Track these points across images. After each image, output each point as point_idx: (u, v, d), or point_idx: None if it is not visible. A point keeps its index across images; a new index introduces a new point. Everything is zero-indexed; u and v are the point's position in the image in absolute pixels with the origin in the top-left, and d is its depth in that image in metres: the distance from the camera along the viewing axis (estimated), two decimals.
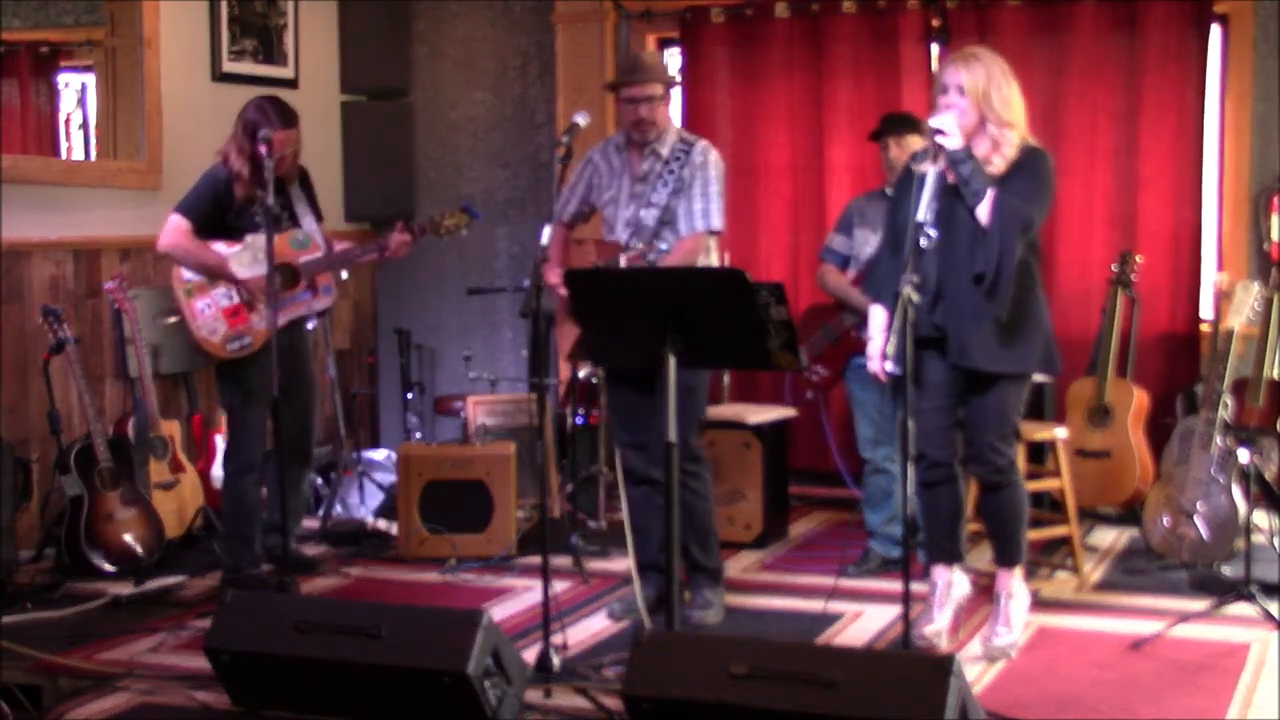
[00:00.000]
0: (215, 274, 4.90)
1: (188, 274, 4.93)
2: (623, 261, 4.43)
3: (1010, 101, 4.09)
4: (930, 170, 3.93)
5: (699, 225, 4.56)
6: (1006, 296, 4.04)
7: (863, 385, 5.18)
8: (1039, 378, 5.09)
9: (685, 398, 4.35)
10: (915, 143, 5.03)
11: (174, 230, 4.88)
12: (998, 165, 4.08)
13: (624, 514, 4.64)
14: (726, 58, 6.62)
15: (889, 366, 3.90)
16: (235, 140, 4.87)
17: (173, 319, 5.11)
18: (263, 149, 4.69)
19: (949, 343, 4.15)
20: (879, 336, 4.26)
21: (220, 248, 4.91)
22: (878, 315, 4.29)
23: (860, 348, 5.16)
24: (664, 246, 4.49)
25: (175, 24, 6.19)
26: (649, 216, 4.56)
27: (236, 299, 4.93)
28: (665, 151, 4.60)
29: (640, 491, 4.67)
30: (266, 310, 4.67)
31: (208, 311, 4.92)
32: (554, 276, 4.51)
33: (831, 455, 6.09)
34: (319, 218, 5.15)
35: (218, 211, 4.90)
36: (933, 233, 3.77)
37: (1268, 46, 5.94)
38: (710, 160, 4.61)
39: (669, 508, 3.74)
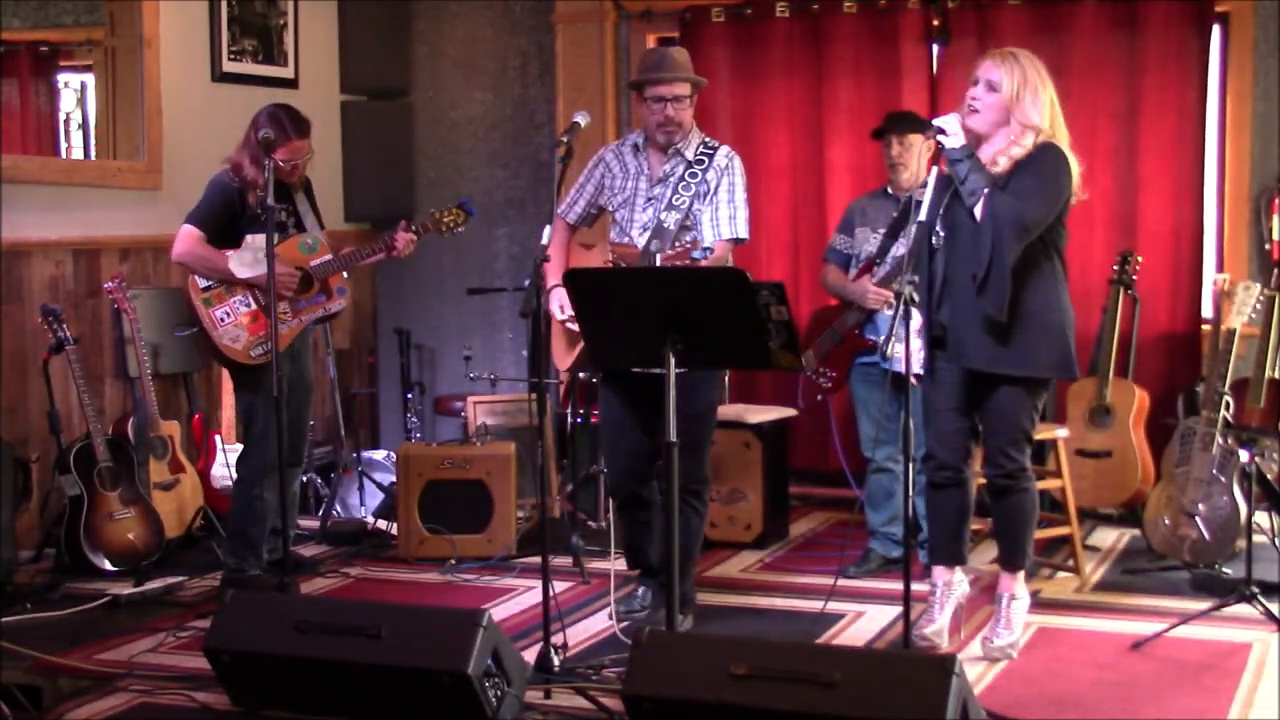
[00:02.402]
0: (230, 279, 4.91)
1: (203, 282, 4.91)
2: (659, 262, 4.29)
3: (1042, 107, 4.04)
4: (933, 171, 3.94)
5: (726, 233, 4.46)
6: (1001, 296, 3.99)
7: (866, 385, 5.19)
8: None
9: (700, 423, 4.35)
10: (918, 141, 5.04)
11: (185, 239, 4.89)
12: (1003, 164, 4.05)
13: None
14: (726, 58, 6.62)
15: (914, 367, 3.87)
16: (249, 148, 4.86)
17: (192, 330, 5.08)
18: (272, 154, 4.71)
19: (949, 342, 4.15)
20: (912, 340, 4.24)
21: (230, 254, 4.91)
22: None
23: (864, 346, 5.17)
24: (706, 245, 4.33)
25: (175, 24, 6.18)
26: (670, 220, 4.43)
27: (254, 305, 4.92)
28: (690, 154, 4.49)
29: (627, 513, 4.66)
30: (269, 310, 4.66)
31: (228, 320, 4.91)
32: (556, 308, 4.44)
33: (832, 455, 6.09)
34: (320, 225, 5.16)
35: (229, 220, 4.91)
36: (941, 231, 3.77)
37: (1268, 46, 5.94)
38: (736, 166, 4.49)
39: (669, 508, 3.73)
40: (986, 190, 3.98)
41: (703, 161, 4.48)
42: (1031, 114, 4.02)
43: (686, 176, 4.47)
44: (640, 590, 4.74)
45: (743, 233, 4.50)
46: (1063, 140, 4.10)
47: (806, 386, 5.45)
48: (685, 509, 4.40)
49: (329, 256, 5.02)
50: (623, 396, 4.55)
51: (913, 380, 4.12)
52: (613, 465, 4.68)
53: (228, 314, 4.91)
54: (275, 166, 4.74)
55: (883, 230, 5.12)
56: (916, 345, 4.14)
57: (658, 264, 4.29)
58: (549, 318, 4.75)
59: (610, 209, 4.62)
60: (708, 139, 4.58)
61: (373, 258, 5.09)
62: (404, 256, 5.11)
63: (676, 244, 4.36)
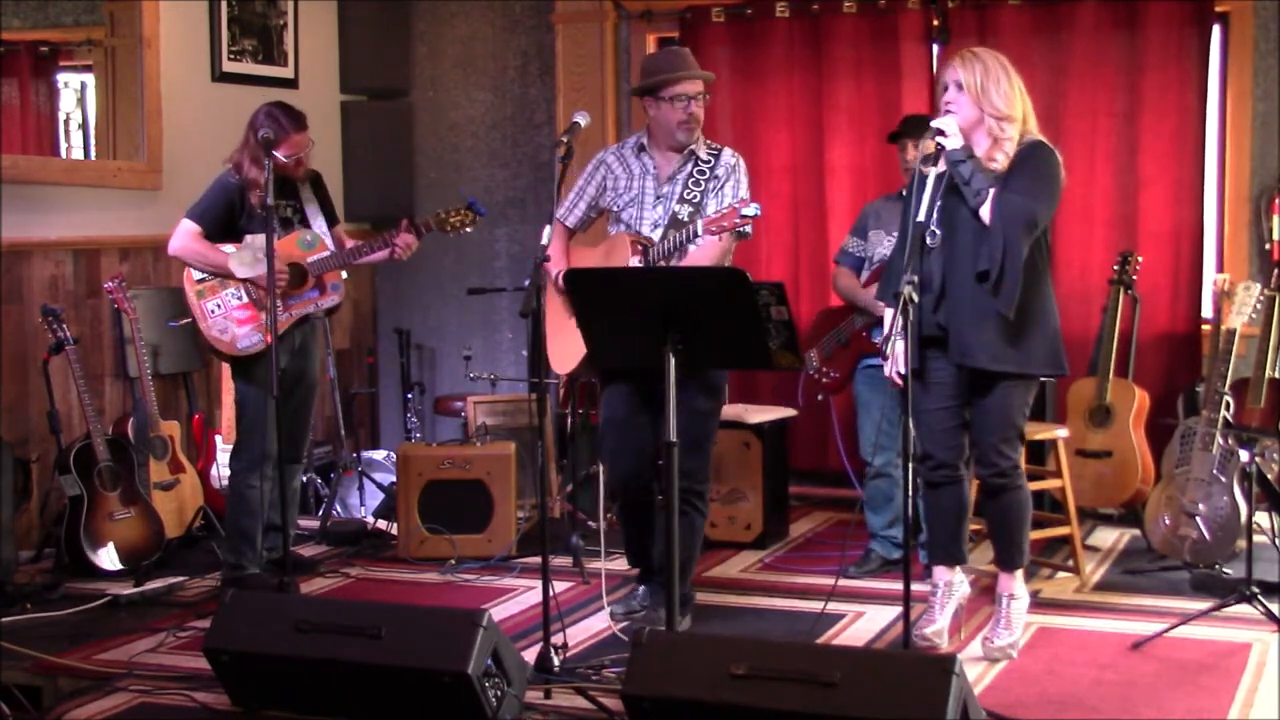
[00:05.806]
0: (226, 274, 4.94)
1: (198, 275, 4.97)
2: (700, 230, 4.30)
3: (1010, 96, 4.08)
4: (932, 171, 3.93)
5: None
6: (1014, 295, 4.01)
7: (871, 388, 5.17)
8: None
9: (703, 421, 4.36)
10: (933, 146, 5.03)
11: (183, 234, 4.95)
12: (1001, 162, 4.07)
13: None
14: (726, 58, 6.62)
15: (902, 369, 3.88)
16: (248, 148, 4.91)
17: (184, 321, 5.14)
18: (274, 151, 4.76)
19: (950, 341, 4.14)
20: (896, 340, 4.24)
21: (229, 249, 4.94)
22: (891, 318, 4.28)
23: (870, 349, 5.16)
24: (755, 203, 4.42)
25: (175, 24, 6.18)
26: (684, 212, 4.48)
27: (246, 298, 4.96)
28: (702, 153, 4.56)
29: (629, 515, 4.66)
30: (268, 308, 4.68)
31: (218, 312, 4.95)
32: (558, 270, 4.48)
33: (833, 455, 6.08)
34: (333, 221, 5.18)
35: (229, 218, 4.96)
36: (937, 231, 3.76)
37: (1268, 46, 5.94)
38: (742, 165, 4.59)
39: (669, 509, 3.73)
40: (994, 190, 4.00)
41: (710, 160, 4.55)
42: (998, 101, 4.06)
43: (695, 173, 4.53)
44: (640, 590, 4.74)
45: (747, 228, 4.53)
46: (1034, 128, 4.15)
47: (807, 385, 5.45)
48: (687, 510, 4.40)
49: (327, 253, 5.04)
50: (626, 396, 4.55)
51: (896, 379, 4.14)
52: (614, 466, 4.66)
53: (219, 305, 4.96)
54: (279, 163, 4.82)
55: (896, 233, 5.11)
56: (900, 345, 4.17)
57: (699, 231, 4.31)
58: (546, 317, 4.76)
59: (615, 209, 4.63)
60: (707, 140, 4.64)
61: (371, 255, 5.10)
62: (404, 259, 5.12)
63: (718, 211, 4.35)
